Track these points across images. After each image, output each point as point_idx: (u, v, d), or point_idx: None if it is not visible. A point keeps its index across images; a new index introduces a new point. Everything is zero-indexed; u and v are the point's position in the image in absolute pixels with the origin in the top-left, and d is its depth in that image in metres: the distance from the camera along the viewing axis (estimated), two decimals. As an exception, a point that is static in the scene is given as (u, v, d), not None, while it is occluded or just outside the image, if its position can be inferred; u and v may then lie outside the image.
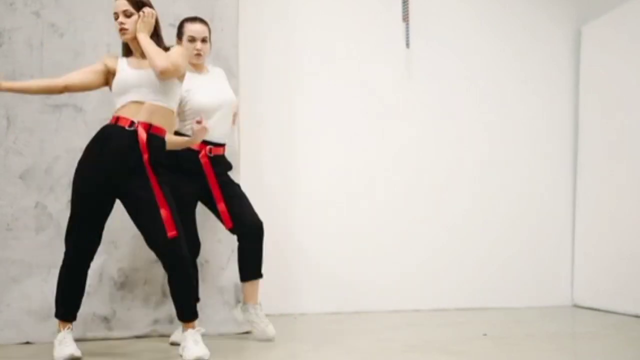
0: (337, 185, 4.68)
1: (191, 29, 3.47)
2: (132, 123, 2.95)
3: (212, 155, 3.46)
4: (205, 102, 3.45)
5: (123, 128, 2.95)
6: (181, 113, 3.43)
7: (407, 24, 4.81)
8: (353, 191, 4.71)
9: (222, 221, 3.50)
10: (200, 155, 3.42)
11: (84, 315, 3.48)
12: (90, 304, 3.51)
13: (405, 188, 4.81)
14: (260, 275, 3.56)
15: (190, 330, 2.99)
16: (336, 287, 4.61)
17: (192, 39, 3.46)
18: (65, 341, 2.98)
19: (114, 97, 3.04)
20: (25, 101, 3.56)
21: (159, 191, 2.94)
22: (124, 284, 3.61)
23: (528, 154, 5.06)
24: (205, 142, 3.43)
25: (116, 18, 3.03)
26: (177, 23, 3.74)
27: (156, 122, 2.99)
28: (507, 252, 4.95)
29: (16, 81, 3.25)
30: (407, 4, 4.80)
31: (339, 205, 4.67)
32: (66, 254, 2.99)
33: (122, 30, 3.03)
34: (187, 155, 3.38)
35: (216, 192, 3.44)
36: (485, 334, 3.68)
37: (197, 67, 3.53)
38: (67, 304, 3.02)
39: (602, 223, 4.79)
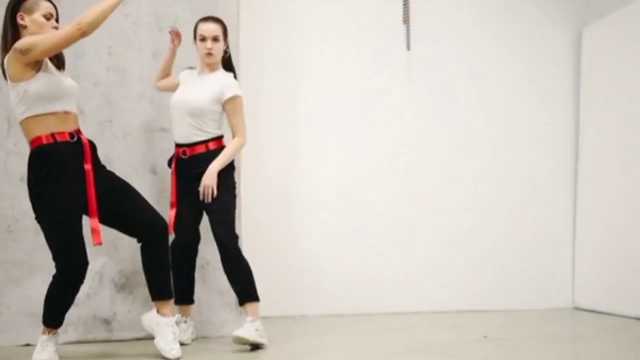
0: (337, 187, 4.67)
1: (202, 28, 3.44)
2: (72, 135, 2.94)
3: (186, 156, 3.42)
4: (172, 101, 3.48)
5: (68, 143, 2.92)
6: None
7: (408, 26, 4.81)
8: (353, 194, 4.71)
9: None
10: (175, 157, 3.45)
11: (84, 317, 3.48)
12: (91, 306, 3.51)
13: (405, 190, 4.81)
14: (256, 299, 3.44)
15: (169, 319, 2.98)
16: (336, 289, 4.60)
17: (203, 38, 3.42)
18: (48, 346, 2.95)
19: (41, 99, 2.88)
20: (26, 103, 3.55)
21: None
22: (125, 286, 3.61)
23: (529, 156, 5.06)
24: (178, 144, 3.46)
25: (48, 19, 2.91)
26: (177, 24, 3.73)
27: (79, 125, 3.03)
28: (508, 254, 4.94)
29: None
30: (408, 6, 4.80)
31: (339, 207, 4.66)
32: (63, 274, 2.93)
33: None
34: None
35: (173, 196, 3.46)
36: (485, 336, 3.68)
37: (210, 67, 3.49)
38: (60, 316, 3.00)
39: (603, 225, 4.79)
